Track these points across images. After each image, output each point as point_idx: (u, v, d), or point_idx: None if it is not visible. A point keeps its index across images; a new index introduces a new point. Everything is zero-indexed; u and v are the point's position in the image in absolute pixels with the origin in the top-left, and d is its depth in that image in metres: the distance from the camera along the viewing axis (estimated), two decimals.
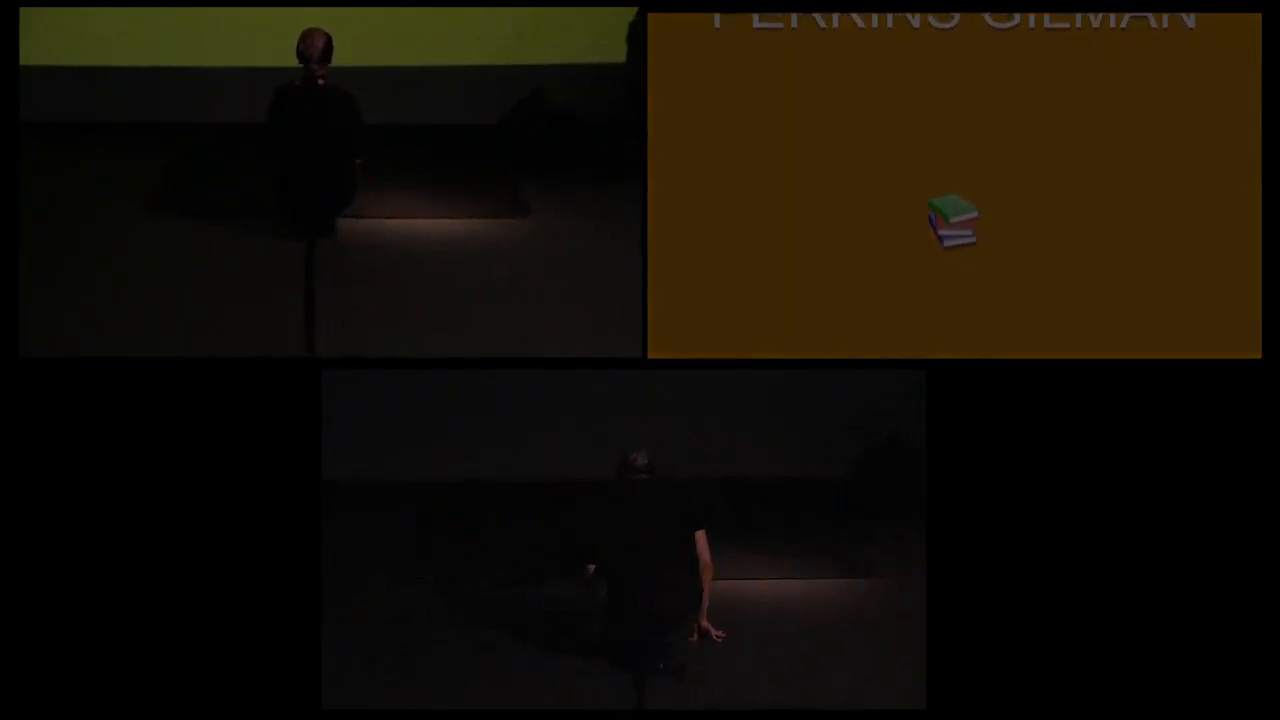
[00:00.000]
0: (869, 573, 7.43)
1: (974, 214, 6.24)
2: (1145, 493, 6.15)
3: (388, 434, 8.50)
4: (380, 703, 6.16)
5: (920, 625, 6.25)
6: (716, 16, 6.40)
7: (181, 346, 6.74)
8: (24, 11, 6.73)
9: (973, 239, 6.26)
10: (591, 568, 6.58)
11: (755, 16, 6.40)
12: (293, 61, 7.96)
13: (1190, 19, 6.35)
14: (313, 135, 7.45)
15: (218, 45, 8.53)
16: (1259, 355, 6.27)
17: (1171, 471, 6.15)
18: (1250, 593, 6.10)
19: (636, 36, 8.04)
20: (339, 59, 7.88)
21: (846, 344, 6.35)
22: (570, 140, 8.30)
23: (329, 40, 7.43)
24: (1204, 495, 6.14)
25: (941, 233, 6.24)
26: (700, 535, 6.48)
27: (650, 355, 6.38)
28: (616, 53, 8.24)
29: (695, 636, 6.55)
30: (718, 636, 6.67)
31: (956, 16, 6.40)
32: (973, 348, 6.32)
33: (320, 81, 7.45)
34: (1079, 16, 6.38)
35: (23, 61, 6.61)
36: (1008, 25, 6.39)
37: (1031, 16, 6.39)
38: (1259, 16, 6.35)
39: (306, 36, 7.43)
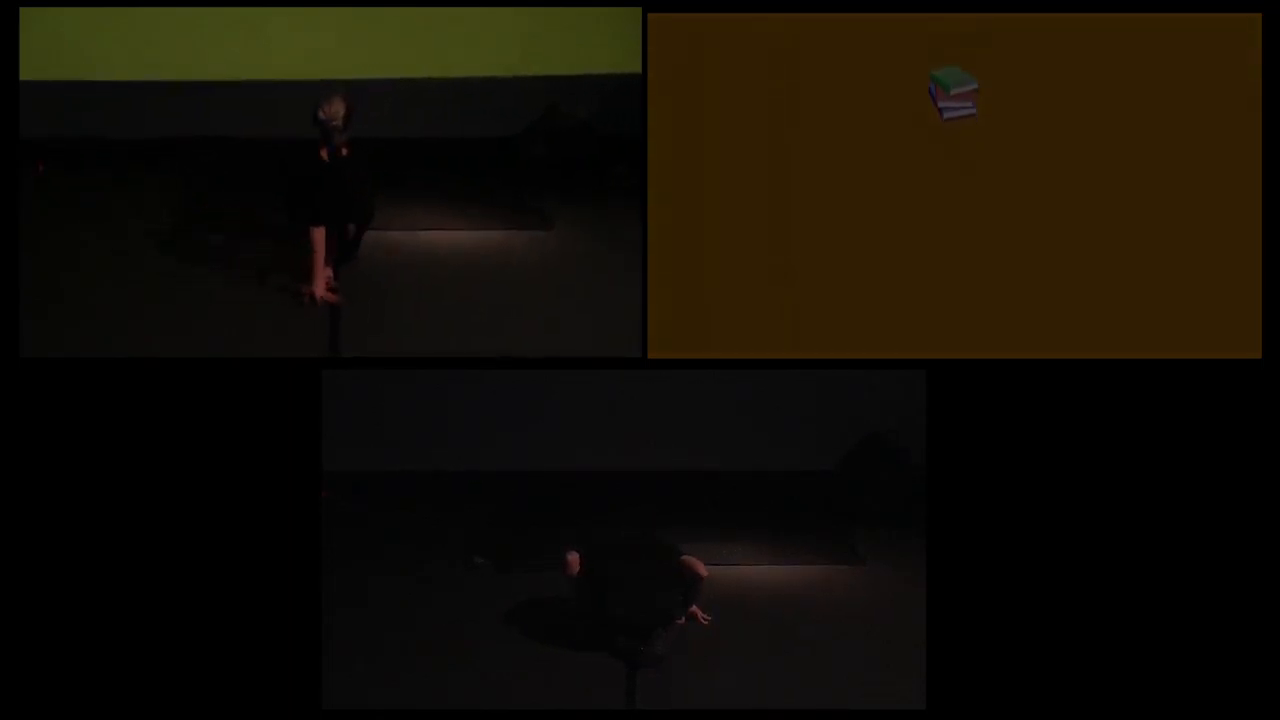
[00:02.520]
0: (864, 563, 7.43)
1: (974, 85, 6.23)
2: (1145, 492, 6.15)
3: (388, 433, 8.50)
4: (380, 703, 6.16)
5: (920, 624, 6.25)
6: (716, 17, 6.40)
7: (205, 324, 6.78)
8: (24, 24, 6.69)
9: (973, 110, 6.24)
10: (574, 556, 6.62)
11: (755, 16, 6.41)
12: (298, 74, 7.88)
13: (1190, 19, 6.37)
14: (333, 209, 7.02)
15: (221, 58, 8.45)
16: (1259, 355, 6.27)
17: (1172, 471, 6.15)
18: (1250, 592, 6.10)
19: None
20: (355, 71, 7.83)
21: (846, 344, 6.35)
22: (590, 152, 8.28)
23: (351, 106, 6.90)
24: (1204, 495, 6.14)
25: (941, 104, 6.23)
26: (692, 558, 6.55)
27: (650, 355, 6.38)
28: (637, 63, 8.15)
29: (683, 619, 6.61)
30: (704, 619, 6.70)
31: (955, 16, 6.41)
32: (973, 348, 6.32)
33: (344, 151, 6.93)
34: (1079, 16, 6.39)
35: (23, 77, 6.57)
36: (1008, 24, 6.40)
37: (1032, 16, 6.40)
38: (1259, 16, 6.35)
39: (329, 103, 6.87)
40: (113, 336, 6.67)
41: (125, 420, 6.11)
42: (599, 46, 8.39)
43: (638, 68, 7.60)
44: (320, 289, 7.04)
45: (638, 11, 6.66)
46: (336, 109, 6.87)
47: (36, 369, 6.17)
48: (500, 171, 8.34)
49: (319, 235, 7.05)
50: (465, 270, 7.40)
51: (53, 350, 6.49)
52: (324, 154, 6.97)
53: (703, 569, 6.53)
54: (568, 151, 8.36)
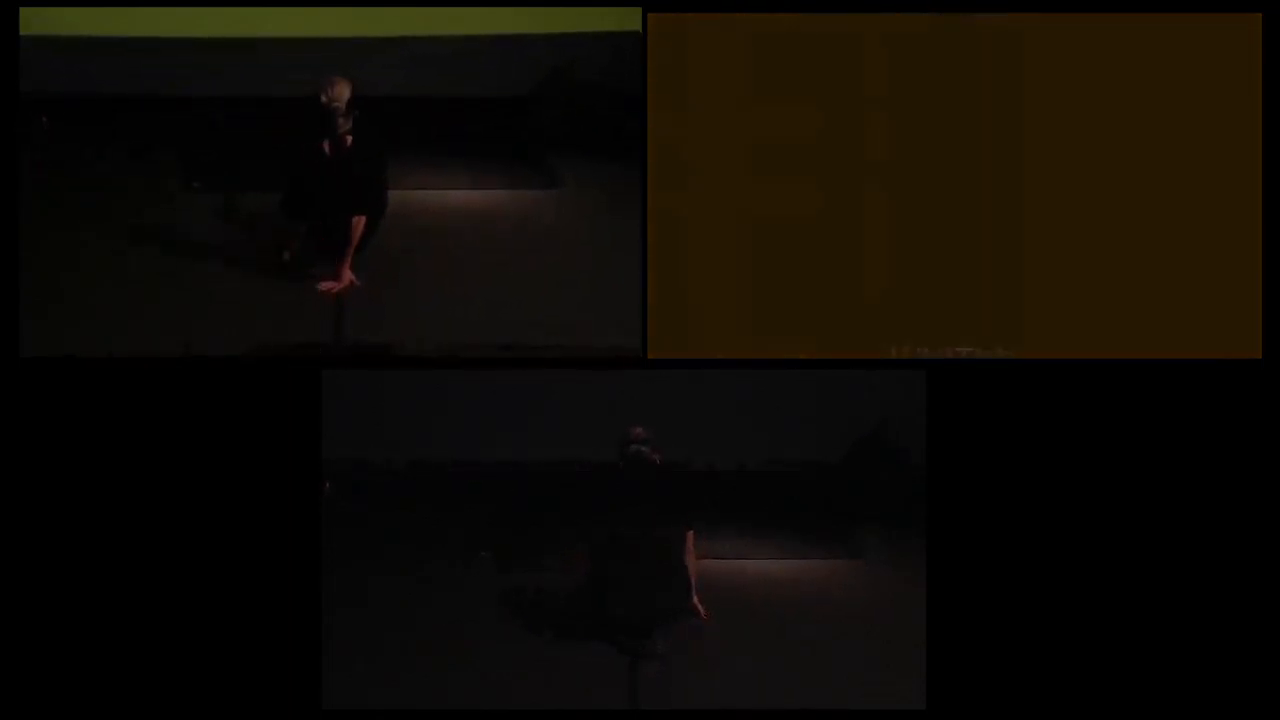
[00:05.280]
0: (864, 562, 7.43)
1: None
2: (1145, 492, 6.15)
3: (388, 432, 8.50)
4: (380, 703, 6.16)
5: (920, 624, 6.25)
6: (717, 17, 6.40)
7: (205, 324, 6.77)
8: None
9: None
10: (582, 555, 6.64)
11: (756, 17, 6.40)
12: (310, 30, 7.81)
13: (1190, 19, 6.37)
14: (339, 200, 6.95)
15: (228, 16, 8.30)
16: (1259, 355, 6.27)
17: (1171, 471, 6.15)
18: (1250, 592, 6.10)
19: None
20: (363, 30, 7.78)
21: (846, 344, 6.35)
22: (599, 110, 8.23)
23: (354, 90, 6.80)
24: (1204, 495, 6.14)
25: None
26: (689, 535, 6.52)
27: (650, 355, 6.37)
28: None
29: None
30: (705, 616, 6.67)
31: (955, 16, 6.41)
32: (972, 347, 6.32)
33: (349, 139, 6.86)
34: (1079, 17, 6.38)
35: (23, 31, 6.46)
36: (1008, 24, 6.39)
37: (1032, 17, 6.39)
38: (1259, 16, 6.35)
39: (331, 86, 6.78)
40: (113, 336, 6.66)
41: (125, 420, 6.11)
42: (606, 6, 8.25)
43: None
44: (324, 284, 7.04)
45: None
46: (340, 91, 6.77)
47: (36, 369, 6.17)
48: (508, 130, 8.31)
49: (302, 232, 7.03)
50: (469, 233, 7.39)
51: (53, 350, 6.49)
52: (326, 147, 6.90)
53: (692, 551, 6.51)
54: (576, 110, 8.32)
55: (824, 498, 8.24)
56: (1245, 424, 6.16)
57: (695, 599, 6.64)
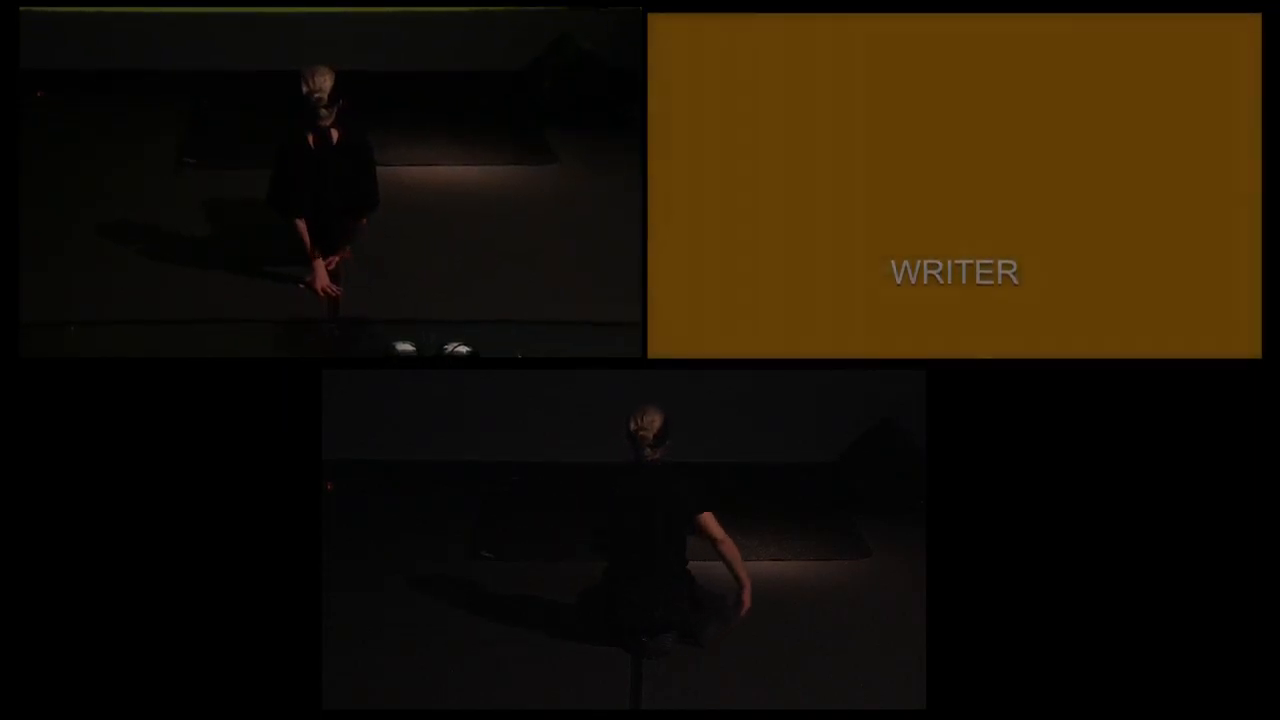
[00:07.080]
0: (865, 562, 7.44)
1: None
2: (1145, 492, 6.15)
3: (388, 432, 8.51)
4: (380, 703, 6.17)
5: (920, 624, 6.26)
6: (718, 17, 6.40)
7: (200, 308, 6.78)
8: None
9: None
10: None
11: (757, 17, 6.41)
12: (307, 6, 7.81)
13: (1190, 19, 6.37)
14: (326, 195, 6.88)
15: None
16: (1259, 355, 6.27)
17: (1171, 472, 6.16)
18: (1250, 592, 6.11)
19: None
20: (360, 5, 7.76)
21: (846, 344, 6.35)
22: (597, 86, 8.23)
23: (336, 80, 6.60)
24: (1203, 495, 6.14)
25: None
26: (708, 517, 6.45)
27: (650, 355, 6.38)
28: None
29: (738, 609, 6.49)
30: (746, 609, 6.55)
31: (955, 16, 6.41)
32: (973, 348, 6.32)
33: (335, 133, 6.72)
34: (1078, 17, 6.39)
35: (22, 7, 6.46)
36: (1007, 25, 6.40)
37: (1030, 16, 6.40)
38: (1259, 16, 6.35)
39: (313, 76, 6.58)
40: (113, 336, 6.67)
41: (125, 420, 6.11)
42: None
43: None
44: (321, 282, 7.02)
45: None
46: (322, 81, 6.61)
47: (36, 369, 6.17)
48: (504, 105, 8.31)
49: (301, 228, 6.97)
50: (466, 208, 7.40)
51: (53, 350, 6.49)
52: (311, 140, 6.80)
53: (719, 531, 6.41)
54: (573, 85, 8.33)
55: (824, 498, 8.26)
56: (1245, 424, 6.16)
57: (747, 594, 6.47)
